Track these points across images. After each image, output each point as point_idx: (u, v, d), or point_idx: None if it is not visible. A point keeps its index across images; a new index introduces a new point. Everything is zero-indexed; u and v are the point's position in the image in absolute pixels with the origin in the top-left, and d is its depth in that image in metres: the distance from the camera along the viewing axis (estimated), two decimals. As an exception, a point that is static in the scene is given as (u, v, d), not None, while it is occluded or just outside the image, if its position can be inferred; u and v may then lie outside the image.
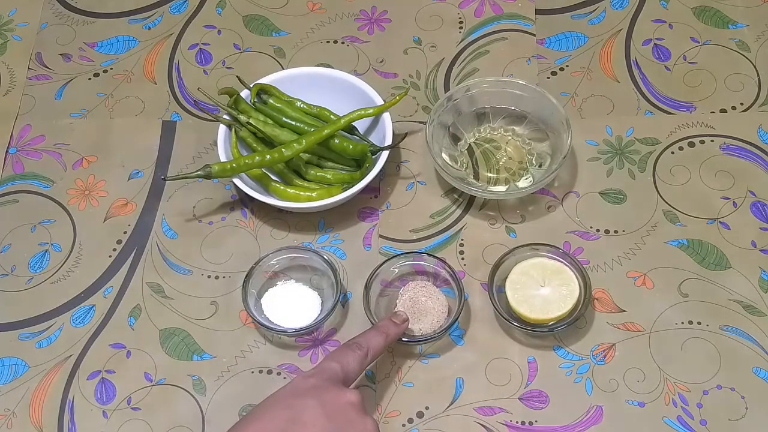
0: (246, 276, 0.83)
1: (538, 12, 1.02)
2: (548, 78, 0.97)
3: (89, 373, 0.82)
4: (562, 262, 0.83)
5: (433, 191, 0.91)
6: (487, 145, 0.92)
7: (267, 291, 0.85)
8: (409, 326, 0.82)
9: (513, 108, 0.93)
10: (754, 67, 0.97)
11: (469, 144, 0.93)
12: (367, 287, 0.82)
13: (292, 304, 0.84)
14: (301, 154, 0.89)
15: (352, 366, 0.72)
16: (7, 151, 0.95)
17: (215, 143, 0.90)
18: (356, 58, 0.99)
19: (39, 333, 0.84)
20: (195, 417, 0.80)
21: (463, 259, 0.87)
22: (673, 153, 0.92)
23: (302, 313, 0.83)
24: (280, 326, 0.82)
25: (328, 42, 1.01)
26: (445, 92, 0.95)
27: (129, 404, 0.80)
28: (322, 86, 0.93)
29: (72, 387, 0.81)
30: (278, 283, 0.85)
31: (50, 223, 0.90)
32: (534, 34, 1.00)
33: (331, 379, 0.70)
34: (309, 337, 0.83)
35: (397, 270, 0.85)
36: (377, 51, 1.00)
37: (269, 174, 0.90)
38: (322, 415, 0.66)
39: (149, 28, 1.03)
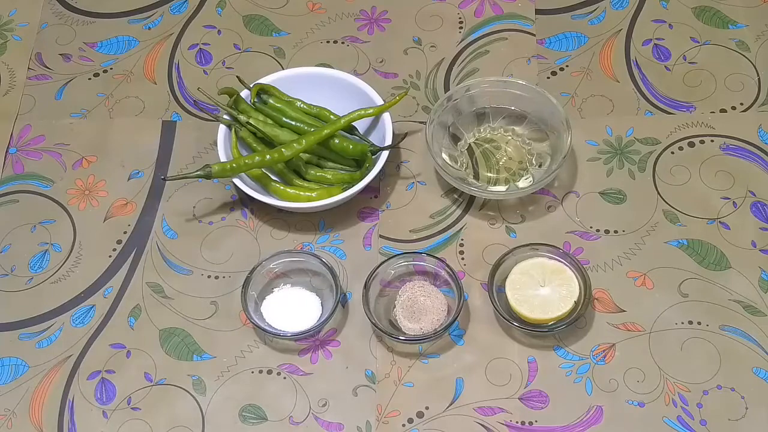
0: (245, 280, 0.83)
1: (538, 12, 1.02)
2: (548, 78, 0.97)
3: (89, 373, 0.82)
4: (562, 262, 0.83)
5: (433, 191, 0.91)
6: (487, 145, 0.92)
7: (267, 295, 0.85)
8: (409, 325, 0.82)
9: (513, 108, 0.93)
10: (754, 67, 0.97)
11: (469, 144, 0.93)
12: (367, 287, 0.82)
13: (292, 307, 0.84)
14: (301, 154, 0.89)
15: None
16: (7, 151, 0.95)
17: (215, 143, 0.90)
18: (356, 58, 0.99)
19: (39, 333, 0.84)
20: (195, 417, 0.80)
21: (463, 259, 0.87)
22: (673, 153, 0.92)
23: (302, 316, 0.83)
24: (280, 330, 0.82)
25: (328, 42, 1.01)
26: (445, 92, 0.95)
27: (129, 404, 0.80)
28: (322, 86, 0.93)
29: (72, 387, 0.81)
30: (278, 286, 0.85)
31: (50, 223, 0.90)
32: (534, 34, 1.00)
33: None
34: (309, 339, 0.83)
35: (396, 270, 0.85)
36: (377, 51, 1.00)
37: (269, 174, 0.90)
38: None
39: (149, 28, 1.03)
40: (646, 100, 0.95)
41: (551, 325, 0.81)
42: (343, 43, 1.01)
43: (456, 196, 0.90)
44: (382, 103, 0.90)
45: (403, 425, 0.79)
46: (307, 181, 0.91)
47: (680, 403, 0.78)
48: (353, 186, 0.86)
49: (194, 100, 0.97)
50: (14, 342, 0.84)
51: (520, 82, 0.92)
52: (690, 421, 0.78)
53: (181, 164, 0.93)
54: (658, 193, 0.89)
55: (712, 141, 0.92)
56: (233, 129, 0.90)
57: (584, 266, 0.83)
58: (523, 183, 0.89)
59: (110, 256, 0.88)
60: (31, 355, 0.83)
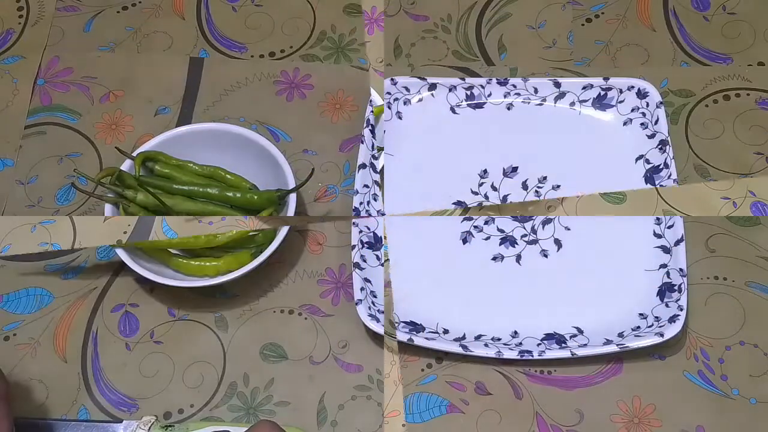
0: None
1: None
2: (582, 25, 0.95)
3: (113, 306, 0.83)
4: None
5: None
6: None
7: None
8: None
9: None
10: (796, 20, 0.94)
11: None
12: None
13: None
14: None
15: None
16: (35, 83, 0.95)
17: (245, 81, 0.89)
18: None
19: (65, 264, 0.85)
20: (216, 352, 0.80)
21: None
22: (707, 106, 0.90)
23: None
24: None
25: None
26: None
27: (152, 338, 0.81)
28: (222, 144, 0.85)
29: (96, 318, 0.82)
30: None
31: (50, 223, 0.85)
32: (570, -20, 0.98)
33: None
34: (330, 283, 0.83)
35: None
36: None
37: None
38: None
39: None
40: (682, 50, 0.93)
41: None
42: None
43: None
44: (290, 169, 0.82)
45: (422, 370, 0.79)
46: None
47: (701, 357, 0.78)
48: (261, 253, 0.80)
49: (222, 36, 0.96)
50: (40, 272, 0.85)
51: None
52: (711, 376, 0.77)
53: (207, 101, 0.93)
54: (690, 147, 0.88)
55: (748, 95, 0.90)
56: (120, 207, 0.82)
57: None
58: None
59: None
60: (56, 286, 0.84)
